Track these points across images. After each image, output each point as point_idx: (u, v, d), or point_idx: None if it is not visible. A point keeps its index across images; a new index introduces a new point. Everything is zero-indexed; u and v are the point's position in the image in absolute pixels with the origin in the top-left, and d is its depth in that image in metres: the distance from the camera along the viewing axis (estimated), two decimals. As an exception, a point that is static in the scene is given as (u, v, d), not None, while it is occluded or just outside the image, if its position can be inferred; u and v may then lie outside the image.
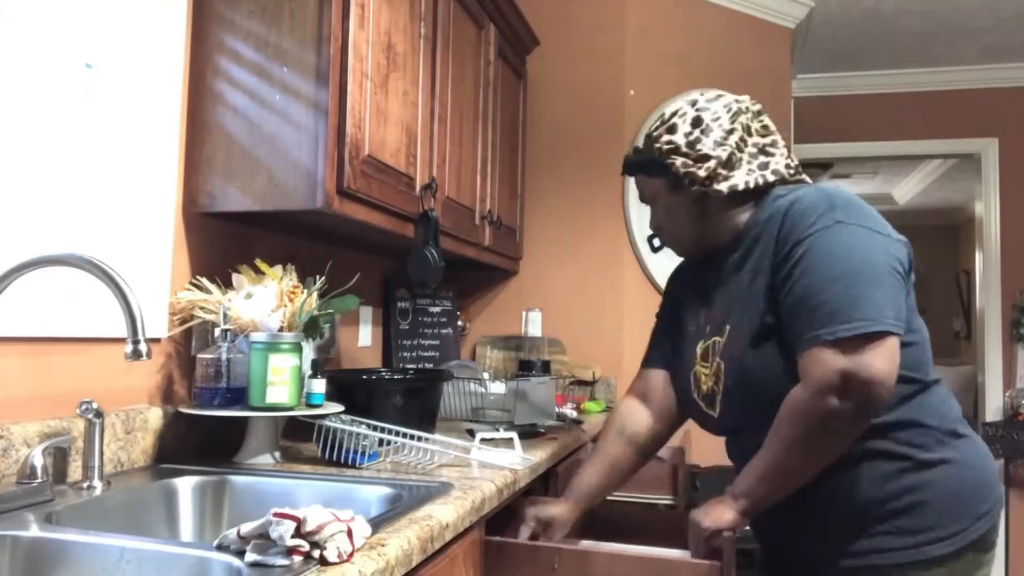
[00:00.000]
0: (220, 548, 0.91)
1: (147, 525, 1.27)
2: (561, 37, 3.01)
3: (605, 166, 2.93)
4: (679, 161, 1.34)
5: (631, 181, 2.87)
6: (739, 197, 1.35)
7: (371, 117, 1.67)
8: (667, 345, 1.55)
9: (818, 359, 1.17)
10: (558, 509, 1.48)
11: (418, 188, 1.92)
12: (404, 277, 2.56)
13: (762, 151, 1.36)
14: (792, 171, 1.38)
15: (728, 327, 1.36)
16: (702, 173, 1.33)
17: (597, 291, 2.92)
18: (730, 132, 1.33)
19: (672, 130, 1.36)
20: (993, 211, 4.35)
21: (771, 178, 1.35)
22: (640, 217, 2.90)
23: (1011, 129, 4.31)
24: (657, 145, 1.37)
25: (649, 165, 1.40)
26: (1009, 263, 4.31)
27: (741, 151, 1.34)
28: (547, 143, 3.00)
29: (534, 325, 2.71)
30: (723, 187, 1.33)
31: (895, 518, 1.25)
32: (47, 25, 1.30)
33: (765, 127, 1.37)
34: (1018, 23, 3.69)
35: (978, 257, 4.48)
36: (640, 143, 1.45)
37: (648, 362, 1.60)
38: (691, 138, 1.34)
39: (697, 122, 1.34)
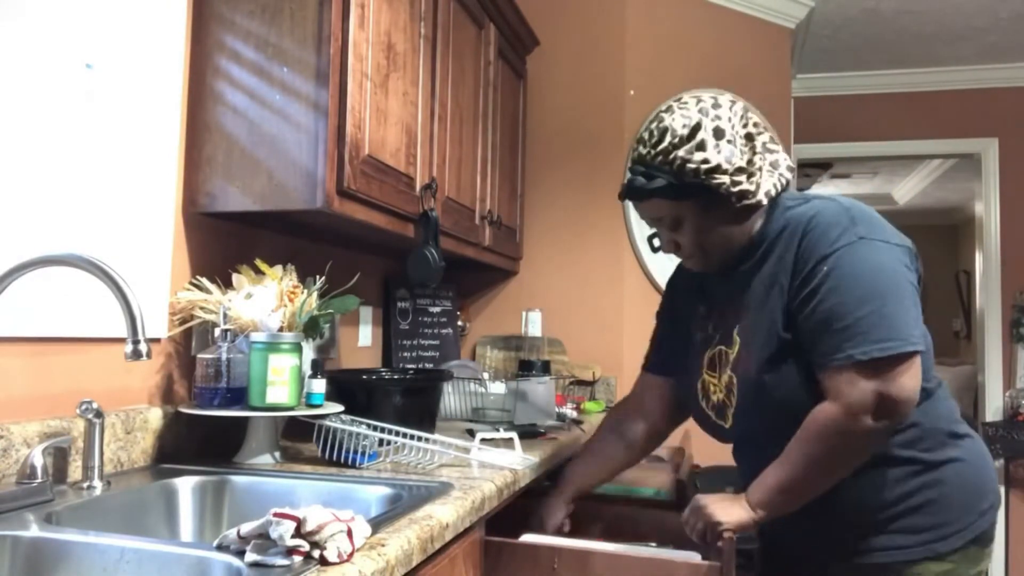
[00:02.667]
0: (220, 548, 0.91)
1: (147, 525, 1.27)
2: (561, 37, 3.01)
3: (605, 166, 2.93)
4: (726, 180, 1.26)
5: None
6: (760, 204, 1.32)
7: (371, 117, 1.67)
8: (668, 348, 1.57)
9: (852, 379, 1.18)
10: (546, 506, 1.58)
11: (418, 188, 1.92)
12: (404, 277, 2.56)
13: (767, 149, 1.32)
14: (791, 167, 1.37)
15: (739, 339, 1.35)
16: (748, 187, 1.28)
17: (597, 291, 2.92)
18: (747, 138, 1.29)
19: (702, 147, 1.26)
20: (993, 211, 4.35)
21: (788, 176, 1.33)
22: (640, 217, 2.90)
23: (1011, 129, 4.31)
24: (691, 167, 1.26)
25: (681, 188, 1.29)
26: (1009, 263, 4.31)
27: (756, 154, 1.31)
28: (547, 143, 3.00)
29: (534, 325, 2.70)
30: (761, 196, 1.29)
31: (906, 517, 1.28)
32: (47, 25, 1.30)
33: (757, 123, 1.33)
34: (1018, 23, 3.69)
35: (978, 257, 4.48)
36: (652, 163, 1.31)
37: (647, 365, 1.63)
38: (725, 153, 1.26)
39: (719, 133, 1.27)
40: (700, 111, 1.29)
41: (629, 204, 2.87)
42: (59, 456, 1.27)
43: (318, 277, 1.66)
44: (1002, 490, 4.20)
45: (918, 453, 1.28)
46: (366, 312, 2.47)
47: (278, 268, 1.62)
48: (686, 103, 1.31)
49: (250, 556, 0.87)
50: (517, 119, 2.87)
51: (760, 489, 1.30)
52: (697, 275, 1.48)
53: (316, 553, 0.88)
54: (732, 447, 1.48)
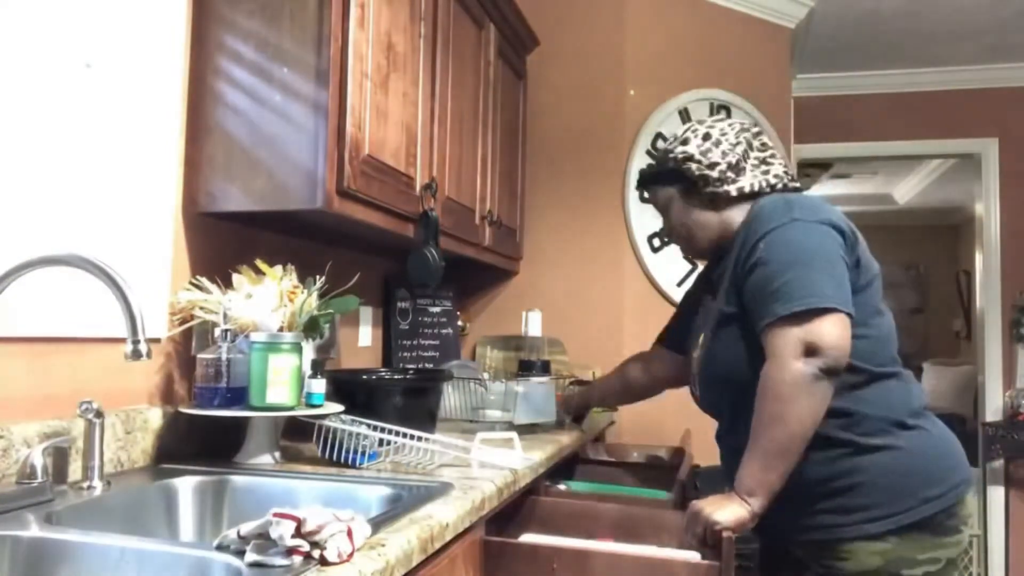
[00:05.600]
0: (220, 548, 0.91)
1: (147, 525, 1.27)
2: (561, 37, 3.01)
3: (605, 166, 2.93)
4: (694, 167, 1.53)
5: (631, 182, 2.90)
6: (744, 200, 1.53)
7: (371, 117, 1.67)
8: (680, 330, 1.81)
9: (779, 332, 1.33)
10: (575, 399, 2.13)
11: (418, 188, 1.92)
12: (404, 277, 2.56)
13: (763, 161, 1.55)
14: (789, 177, 1.55)
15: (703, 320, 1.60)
16: (714, 175, 1.52)
17: (597, 291, 2.92)
18: (736, 144, 1.53)
19: (685, 143, 1.55)
20: (993, 211, 4.35)
21: (773, 181, 1.53)
22: (640, 217, 2.90)
23: (1011, 129, 4.31)
24: (672, 155, 1.56)
25: (664, 175, 1.59)
26: (1009, 263, 4.31)
27: (746, 160, 1.53)
28: (547, 143, 3.00)
29: (534, 325, 2.70)
30: (732, 188, 1.52)
31: (836, 497, 1.37)
32: (47, 25, 1.30)
33: (764, 144, 1.57)
34: (1018, 23, 3.69)
35: (978, 257, 4.48)
36: (655, 158, 1.63)
37: (661, 338, 1.94)
38: (703, 148, 1.53)
39: (707, 136, 1.54)
40: (699, 122, 1.59)
41: (629, 205, 2.92)
42: (59, 456, 1.26)
43: (318, 277, 1.66)
44: (1001, 490, 4.21)
45: (854, 436, 1.37)
46: (366, 312, 2.47)
47: (278, 268, 1.62)
48: (701, 120, 1.61)
49: (250, 556, 0.87)
50: (517, 119, 2.87)
51: (744, 475, 1.36)
52: (709, 271, 1.67)
53: (316, 553, 0.88)
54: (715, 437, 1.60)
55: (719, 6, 3.16)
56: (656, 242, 2.93)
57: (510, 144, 2.77)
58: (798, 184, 1.57)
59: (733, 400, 1.47)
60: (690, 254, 1.67)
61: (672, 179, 1.57)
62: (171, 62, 1.57)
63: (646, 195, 1.70)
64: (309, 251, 2.02)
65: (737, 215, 1.53)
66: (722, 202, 1.53)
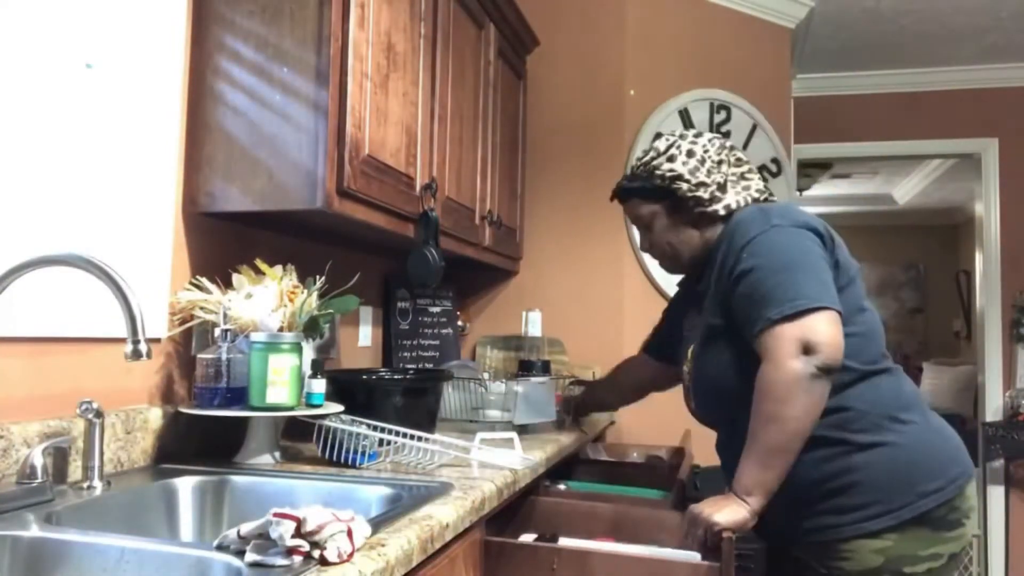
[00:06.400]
0: (220, 548, 0.91)
1: (147, 525, 1.27)
2: (561, 37, 3.00)
3: (605, 166, 2.92)
4: (684, 186, 1.54)
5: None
6: (728, 217, 1.55)
7: (371, 117, 1.67)
8: (663, 340, 1.86)
9: (774, 334, 1.33)
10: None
11: (418, 188, 1.92)
12: (404, 277, 2.56)
13: (742, 177, 1.58)
14: (765, 193, 1.59)
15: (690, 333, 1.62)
16: (705, 196, 1.54)
17: (597, 291, 2.92)
18: (719, 162, 1.56)
19: (672, 159, 1.56)
20: (993, 211, 4.35)
21: (755, 195, 1.56)
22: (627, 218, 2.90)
23: (1011, 129, 4.31)
24: (660, 172, 1.56)
25: (651, 191, 1.59)
26: (1009, 263, 4.30)
27: (727, 178, 1.56)
28: (547, 143, 3.00)
29: (534, 325, 2.70)
30: (719, 208, 1.54)
31: (835, 497, 1.37)
32: (47, 25, 1.30)
33: (739, 159, 1.60)
34: (1018, 23, 3.69)
35: (978, 257, 4.48)
36: (635, 171, 1.62)
37: (645, 347, 1.99)
38: (690, 167, 1.54)
39: (691, 153, 1.55)
40: (680, 137, 1.59)
41: (629, 205, 2.92)
42: (59, 456, 1.27)
43: (318, 277, 1.66)
44: (1001, 490, 4.21)
45: (848, 435, 1.37)
46: (366, 312, 2.47)
47: (278, 268, 1.62)
48: (674, 133, 1.62)
49: (250, 556, 0.87)
50: (517, 119, 2.87)
51: (742, 474, 1.36)
52: (693, 282, 1.66)
53: (316, 553, 0.88)
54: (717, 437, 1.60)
55: (719, 6, 3.16)
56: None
57: (510, 144, 2.77)
58: (775, 197, 1.62)
59: (729, 411, 1.47)
60: (672, 270, 1.68)
61: (659, 196, 1.58)
62: (171, 62, 1.57)
63: (618, 203, 1.68)
64: (309, 251, 2.02)
65: (717, 229, 1.56)
66: (707, 220, 1.56)
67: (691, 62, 3.07)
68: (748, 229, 1.44)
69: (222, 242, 1.72)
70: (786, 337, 1.32)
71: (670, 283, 2.94)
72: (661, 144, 1.59)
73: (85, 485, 1.24)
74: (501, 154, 2.63)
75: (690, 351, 1.59)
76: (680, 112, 3.01)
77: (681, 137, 1.59)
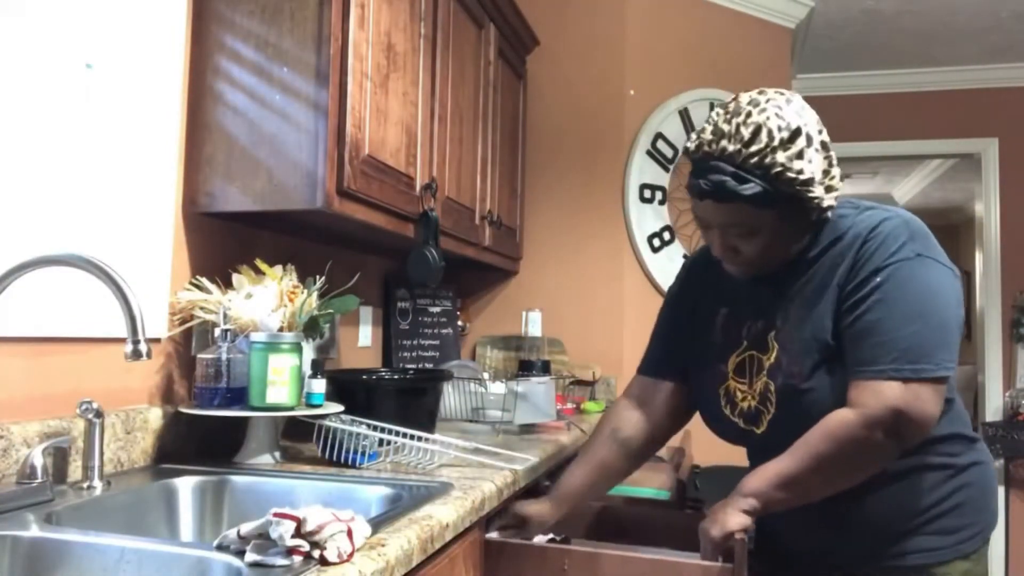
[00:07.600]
0: (220, 548, 0.91)
1: (147, 525, 1.27)
2: (561, 37, 3.01)
3: (605, 166, 2.93)
4: (819, 192, 1.22)
5: (631, 181, 2.89)
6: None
7: (371, 117, 1.67)
8: (673, 351, 1.49)
9: (877, 391, 1.18)
10: (537, 508, 1.45)
11: (418, 188, 1.92)
12: (404, 277, 2.56)
13: (832, 165, 1.27)
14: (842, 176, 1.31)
15: (775, 344, 1.31)
16: (829, 200, 1.25)
17: (597, 291, 2.92)
18: (823, 147, 1.24)
19: (801, 156, 1.19)
20: (993, 211, 4.35)
21: (839, 187, 1.29)
22: (640, 217, 2.90)
23: (1011, 129, 4.31)
24: (790, 175, 1.18)
25: (775, 197, 1.20)
26: (1009, 263, 4.31)
27: (833, 165, 1.27)
28: (547, 143, 3.00)
29: (534, 325, 2.71)
30: (830, 214, 1.29)
31: (940, 519, 1.30)
32: (47, 25, 1.30)
33: (823, 130, 1.26)
34: (1018, 23, 3.69)
35: (978, 257, 4.48)
36: (744, 165, 1.19)
37: (648, 367, 1.53)
38: (816, 163, 1.21)
39: (810, 141, 1.20)
40: (796, 113, 1.21)
41: (629, 205, 2.91)
42: (59, 456, 1.27)
43: (318, 277, 1.66)
44: (1002, 490, 4.21)
45: (948, 459, 1.31)
46: (366, 312, 2.47)
47: (278, 268, 1.62)
48: (773, 100, 1.21)
49: (250, 556, 0.87)
50: (517, 119, 2.87)
51: (757, 479, 1.26)
52: (715, 277, 1.41)
53: (316, 553, 0.88)
54: (750, 450, 1.43)
55: (719, 6, 3.16)
56: (656, 242, 2.93)
57: (510, 144, 2.77)
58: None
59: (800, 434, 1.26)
60: (749, 274, 1.34)
61: (780, 202, 1.21)
62: (171, 62, 1.57)
63: (710, 203, 1.24)
64: (309, 251, 2.02)
65: (824, 226, 1.31)
66: (823, 222, 1.29)
67: (691, 62, 3.07)
68: (888, 246, 1.23)
69: (222, 242, 1.72)
70: (889, 404, 1.17)
71: (671, 283, 2.94)
72: (773, 123, 1.19)
73: (85, 485, 1.24)
74: (501, 154, 2.63)
75: (756, 361, 1.34)
76: (680, 112, 3.01)
77: (797, 115, 1.20)
